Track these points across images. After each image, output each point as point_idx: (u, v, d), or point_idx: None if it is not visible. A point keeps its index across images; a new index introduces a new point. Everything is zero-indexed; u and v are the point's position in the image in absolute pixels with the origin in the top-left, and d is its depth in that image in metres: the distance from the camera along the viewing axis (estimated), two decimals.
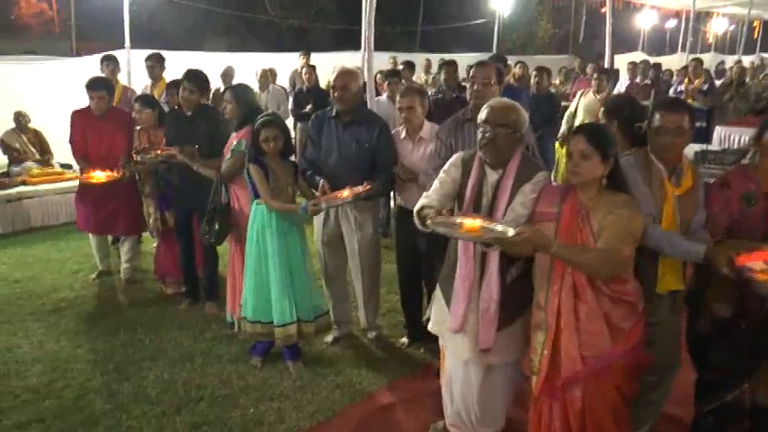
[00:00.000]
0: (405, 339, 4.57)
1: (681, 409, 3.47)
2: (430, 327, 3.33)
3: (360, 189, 3.90)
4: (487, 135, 2.91)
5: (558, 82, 11.09)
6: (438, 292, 3.26)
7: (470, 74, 3.93)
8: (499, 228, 2.58)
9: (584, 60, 10.32)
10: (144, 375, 4.12)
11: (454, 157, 3.14)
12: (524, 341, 3.03)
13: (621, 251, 2.59)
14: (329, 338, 4.59)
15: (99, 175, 5.25)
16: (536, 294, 2.85)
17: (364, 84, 5.97)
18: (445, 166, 3.13)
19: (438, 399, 3.49)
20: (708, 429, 3.24)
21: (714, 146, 7.81)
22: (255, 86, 9.04)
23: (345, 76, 4.17)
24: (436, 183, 3.10)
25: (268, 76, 8.81)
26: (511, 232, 2.52)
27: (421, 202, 3.00)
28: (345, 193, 3.89)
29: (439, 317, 3.23)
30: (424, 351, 4.39)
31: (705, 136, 8.55)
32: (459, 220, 2.69)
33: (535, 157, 3.35)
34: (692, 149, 6.56)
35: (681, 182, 2.96)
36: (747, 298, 2.93)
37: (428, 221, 2.74)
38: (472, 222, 2.60)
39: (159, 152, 4.87)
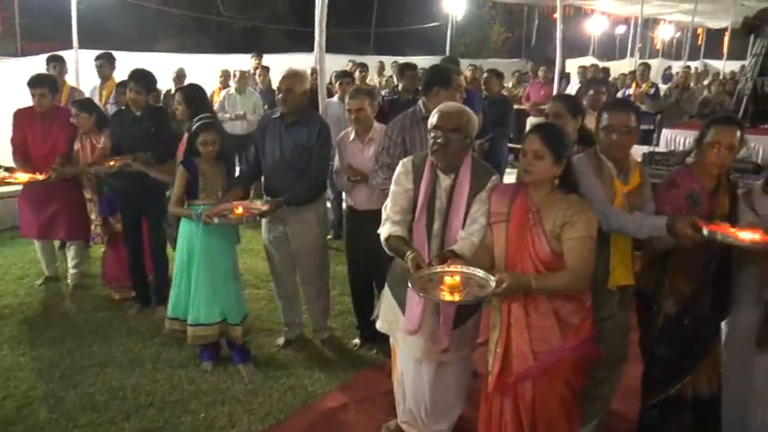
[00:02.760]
0: (357, 340, 4.58)
1: (627, 404, 3.55)
2: (379, 325, 3.35)
3: (255, 209, 3.93)
4: (439, 141, 2.91)
5: (510, 85, 11.25)
6: (387, 291, 3.27)
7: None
8: (480, 274, 2.58)
9: (537, 64, 10.48)
10: (91, 382, 4.03)
11: (403, 162, 3.12)
12: (474, 337, 3.07)
13: (589, 262, 2.67)
14: (280, 341, 4.57)
15: (21, 177, 5.05)
16: None
17: (316, 85, 5.96)
18: (395, 176, 3.11)
19: (390, 398, 3.52)
20: (653, 423, 3.32)
21: (661, 147, 8.01)
22: (210, 88, 8.95)
23: (290, 78, 4.15)
24: (390, 199, 3.08)
25: (246, 78, 8.51)
26: (492, 281, 2.52)
27: (386, 228, 2.98)
28: (239, 209, 3.89)
29: (389, 316, 3.25)
30: (377, 351, 4.41)
31: (652, 138, 8.79)
32: (438, 270, 2.64)
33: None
34: (639, 151, 6.72)
35: (629, 179, 3.07)
36: (695, 294, 3.06)
37: (409, 282, 2.63)
38: (452, 279, 2.56)
39: (113, 163, 4.74)
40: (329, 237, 6.54)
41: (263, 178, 4.38)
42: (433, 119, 2.97)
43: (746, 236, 2.75)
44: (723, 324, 3.28)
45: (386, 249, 2.98)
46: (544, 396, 2.76)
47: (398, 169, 3.10)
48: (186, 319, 4.13)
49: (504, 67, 12.23)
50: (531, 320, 2.71)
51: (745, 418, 3.25)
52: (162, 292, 5.10)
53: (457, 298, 2.53)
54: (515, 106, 8.24)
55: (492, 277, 2.54)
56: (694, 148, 3.19)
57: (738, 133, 3.00)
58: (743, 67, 11.77)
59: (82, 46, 8.35)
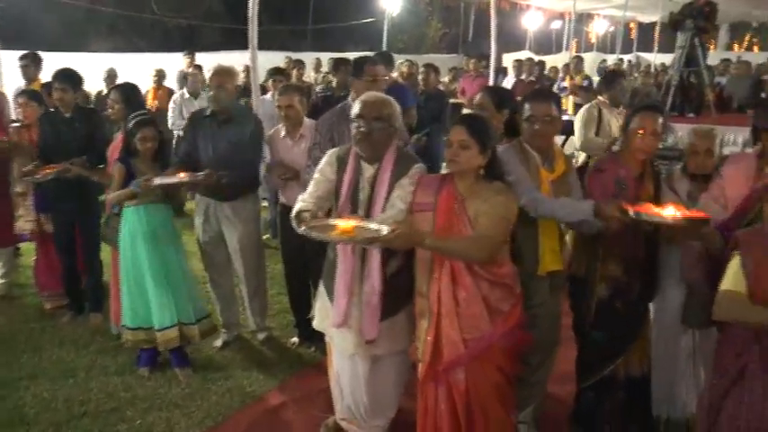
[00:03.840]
0: (295, 339, 4.56)
1: (563, 387, 3.64)
2: (315, 324, 3.34)
3: (200, 174, 3.83)
4: (362, 130, 2.91)
5: (447, 80, 11.37)
6: (321, 289, 3.26)
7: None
8: (373, 226, 2.58)
9: (471, 58, 10.65)
10: (21, 396, 3.88)
11: (329, 153, 3.13)
12: (410, 331, 3.08)
13: (494, 237, 2.68)
14: (218, 342, 4.51)
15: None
16: (418, 283, 2.90)
17: (249, 82, 5.91)
18: (320, 165, 3.12)
19: (329, 395, 3.50)
20: (588, 404, 3.42)
21: None
22: (144, 88, 8.72)
23: (221, 74, 4.11)
24: (311, 184, 3.09)
25: (198, 81, 8.08)
26: (385, 230, 2.52)
27: (297, 205, 2.98)
28: (182, 174, 3.81)
29: (323, 313, 3.24)
30: (315, 349, 4.38)
31: None
32: (332, 222, 2.68)
33: (405, 145, 3.42)
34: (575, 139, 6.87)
35: (554, 167, 3.14)
36: (625, 278, 3.16)
37: (302, 227, 2.71)
38: (346, 223, 2.58)
39: (50, 170, 4.50)
40: (267, 236, 6.50)
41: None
42: (355, 108, 2.97)
43: (669, 212, 2.82)
44: (651, 305, 3.40)
45: (295, 226, 2.90)
46: (478, 384, 2.79)
47: (324, 159, 3.12)
48: (151, 327, 4.03)
49: (442, 63, 12.33)
50: (460, 309, 2.74)
51: (672, 394, 3.39)
52: (96, 298, 4.98)
53: (346, 237, 2.54)
54: (452, 100, 8.36)
55: (385, 227, 2.54)
56: (620, 135, 3.29)
57: (660, 120, 3.11)
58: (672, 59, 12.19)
59: (4, 46, 8.04)
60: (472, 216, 2.72)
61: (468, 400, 2.80)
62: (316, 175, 3.09)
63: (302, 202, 2.99)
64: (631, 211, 2.79)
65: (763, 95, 8.29)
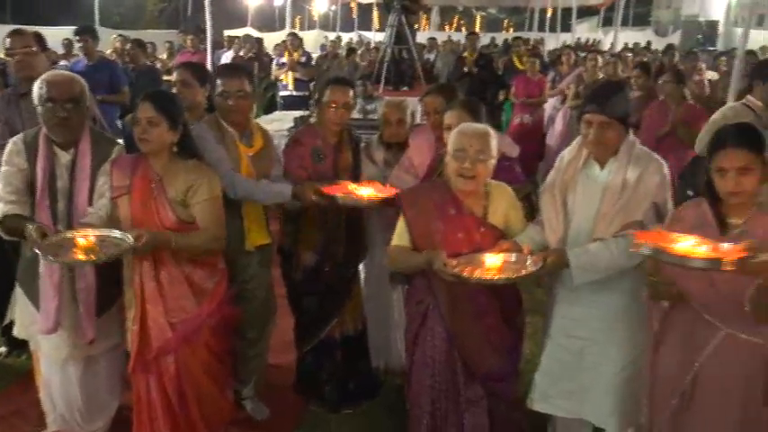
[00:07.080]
0: (2, 349, 4.06)
1: (284, 357, 3.74)
2: (16, 331, 3.05)
3: None
4: (58, 114, 2.68)
5: (164, 57, 10.94)
6: (19, 291, 2.97)
7: (8, 45, 3.69)
8: (117, 234, 2.49)
9: (187, 33, 10.35)
10: None
11: (14, 141, 2.84)
12: (121, 323, 2.95)
13: (219, 220, 2.72)
14: None
15: None
16: (125, 271, 2.79)
17: None
18: (5, 156, 2.81)
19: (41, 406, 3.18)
20: (310, 368, 3.57)
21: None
22: None
23: None
24: (2, 179, 2.78)
25: None
26: (130, 239, 2.44)
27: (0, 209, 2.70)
28: None
29: (25, 318, 2.96)
30: (27, 357, 3.92)
31: (307, 103, 9.27)
32: (69, 235, 2.50)
33: (104, 129, 3.23)
34: (293, 114, 7.09)
35: (252, 142, 3.19)
36: (329, 244, 3.33)
37: (35, 249, 2.47)
38: (85, 240, 2.45)
39: None
40: None
41: None
42: (41, 91, 2.71)
43: (365, 193, 3.05)
44: (361, 267, 3.64)
45: (2, 234, 2.72)
46: (188, 366, 2.77)
47: (9, 147, 2.82)
48: None
49: (160, 38, 11.80)
50: (164, 291, 2.70)
51: (388, 345, 3.71)
52: None
53: (93, 258, 2.44)
54: (166, 77, 8.01)
55: (129, 236, 2.48)
56: (315, 108, 3.45)
57: (351, 92, 3.32)
58: None
59: None
60: (172, 197, 2.68)
61: (179, 384, 2.77)
62: (5, 168, 2.79)
63: (3, 203, 2.71)
64: (326, 194, 2.99)
65: (465, 70, 9.28)
